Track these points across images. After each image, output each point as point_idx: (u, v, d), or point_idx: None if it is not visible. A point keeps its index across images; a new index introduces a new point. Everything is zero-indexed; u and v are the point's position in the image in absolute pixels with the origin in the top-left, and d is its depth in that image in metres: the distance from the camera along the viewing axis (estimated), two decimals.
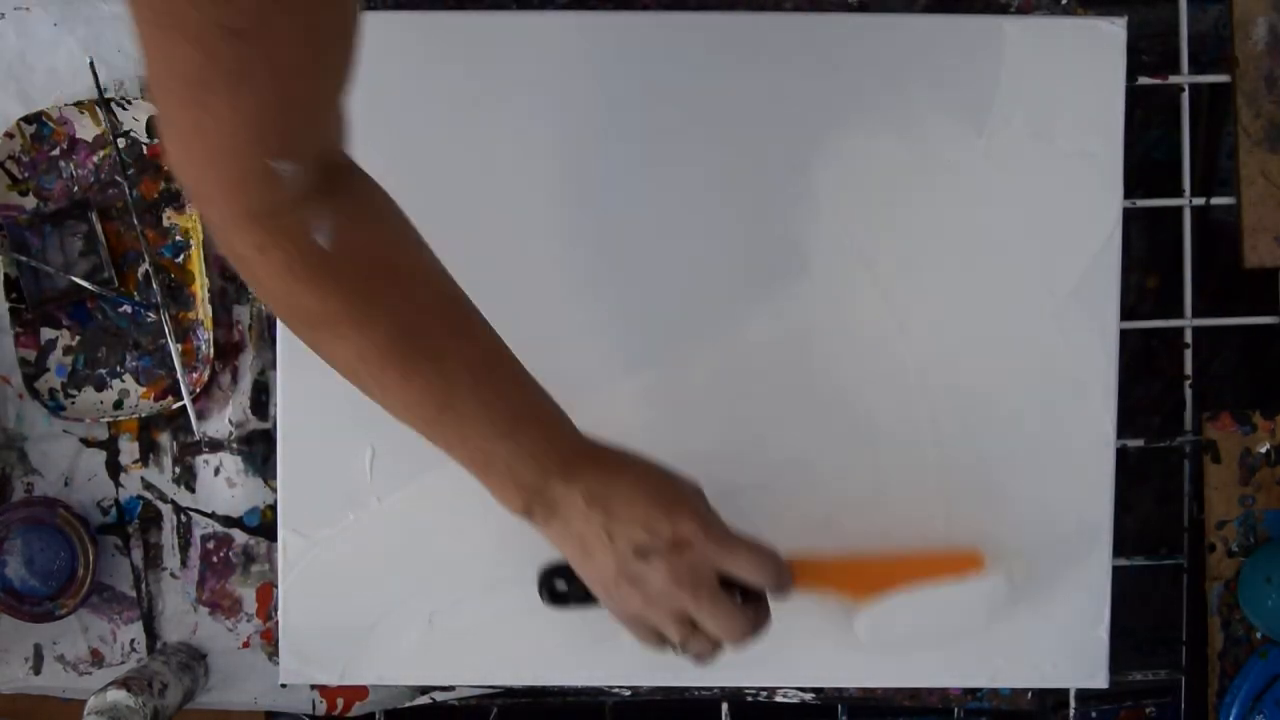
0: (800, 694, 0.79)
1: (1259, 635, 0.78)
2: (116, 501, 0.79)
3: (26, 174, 0.77)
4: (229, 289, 0.78)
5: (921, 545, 0.70)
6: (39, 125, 0.76)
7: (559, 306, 0.73)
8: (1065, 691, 0.80)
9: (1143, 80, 0.78)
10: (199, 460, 0.78)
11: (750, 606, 0.59)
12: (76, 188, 0.77)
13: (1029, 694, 0.80)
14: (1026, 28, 0.72)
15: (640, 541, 0.55)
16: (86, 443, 0.79)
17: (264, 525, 0.78)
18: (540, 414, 0.57)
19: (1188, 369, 0.80)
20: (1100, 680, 0.74)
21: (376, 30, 0.72)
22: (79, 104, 0.76)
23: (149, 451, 0.79)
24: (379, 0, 0.77)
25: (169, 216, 0.77)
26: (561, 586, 0.67)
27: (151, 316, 0.78)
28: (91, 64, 0.76)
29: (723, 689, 0.79)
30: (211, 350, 0.77)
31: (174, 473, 0.79)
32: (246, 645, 0.79)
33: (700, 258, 0.73)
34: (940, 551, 0.69)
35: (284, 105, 0.46)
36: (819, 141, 0.72)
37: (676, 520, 0.56)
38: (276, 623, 0.75)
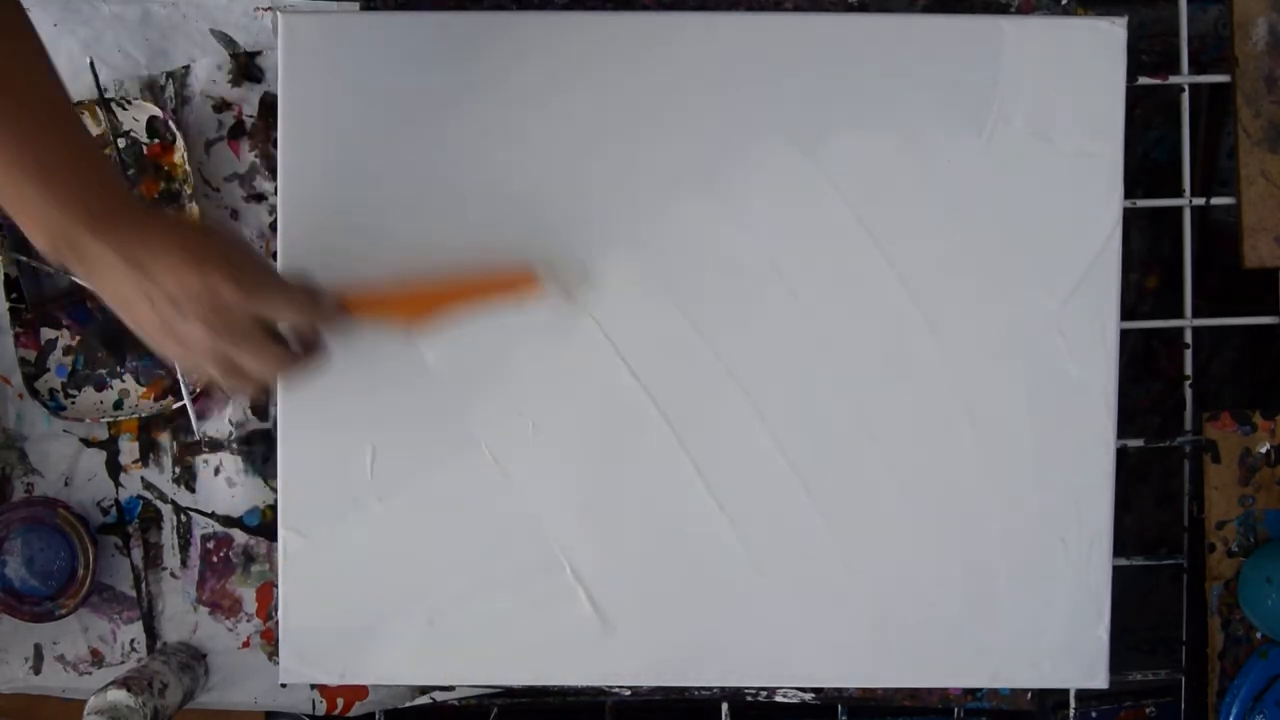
0: (800, 694, 0.79)
1: (1259, 635, 0.78)
2: (116, 501, 0.79)
3: None
4: None
5: (477, 267, 0.70)
6: None
7: (555, 307, 0.73)
8: (1065, 691, 0.80)
9: (1143, 80, 0.78)
10: (199, 460, 0.78)
11: (296, 344, 0.63)
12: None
13: (1029, 694, 0.80)
14: (1026, 28, 0.72)
15: (175, 297, 0.57)
16: (86, 443, 0.79)
17: (264, 525, 0.78)
18: (81, 165, 0.58)
19: (1188, 369, 0.80)
20: (1100, 680, 0.74)
21: (376, 30, 0.72)
22: (79, 104, 0.76)
23: (149, 451, 0.79)
24: (379, 0, 0.77)
25: None
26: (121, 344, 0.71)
27: None
28: (91, 64, 0.76)
29: (723, 689, 0.79)
30: None
31: (174, 473, 0.79)
32: (246, 645, 0.79)
33: (699, 258, 0.73)
34: (494, 271, 0.70)
35: None
36: (818, 141, 0.72)
37: (206, 275, 0.58)
38: (276, 623, 0.75)
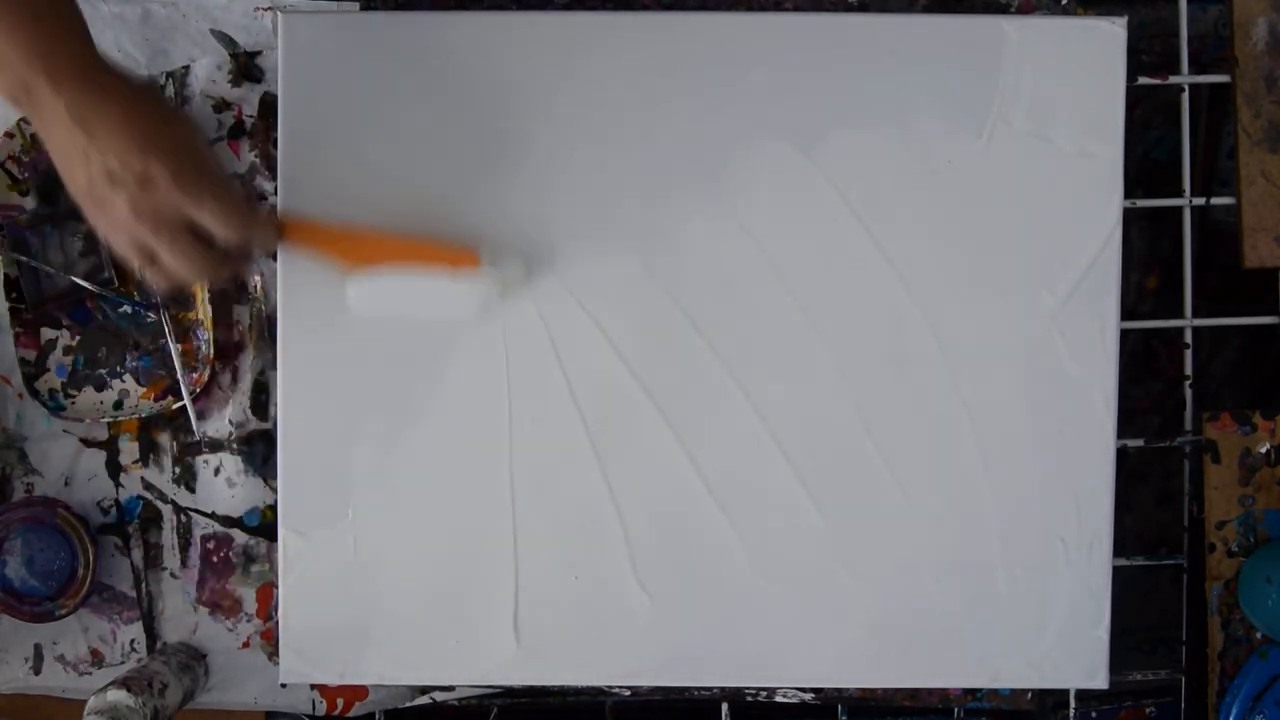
0: (800, 694, 0.79)
1: (1259, 635, 0.78)
2: (116, 501, 0.79)
3: (26, 174, 0.77)
4: (229, 289, 0.78)
5: (422, 233, 0.70)
6: None
7: (559, 306, 0.73)
8: (1065, 691, 0.80)
9: (1143, 80, 0.78)
10: (199, 460, 0.78)
11: (217, 251, 0.62)
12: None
13: (1029, 694, 0.80)
14: (1026, 28, 0.72)
15: (112, 169, 0.57)
16: (86, 443, 0.79)
17: (264, 525, 0.78)
18: (52, 18, 0.58)
19: (1188, 369, 0.80)
20: (1100, 680, 0.74)
21: (376, 30, 0.72)
22: None
23: (149, 451, 0.79)
24: (379, 0, 0.77)
25: None
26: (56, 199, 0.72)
27: (151, 316, 0.78)
28: None
29: (723, 689, 0.79)
30: (211, 350, 0.77)
31: (174, 473, 0.79)
32: (246, 645, 0.79)
33: (698, 258, 0.73)
34: (440, 241, 0.70)
35: None
36: (818, 141, 0.72)
37: (148, 158, 0.58)
38: (276, 623, 0.75)
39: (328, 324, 0.72)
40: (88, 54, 0.59)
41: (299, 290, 0.72)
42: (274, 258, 0.67)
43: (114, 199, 0.58)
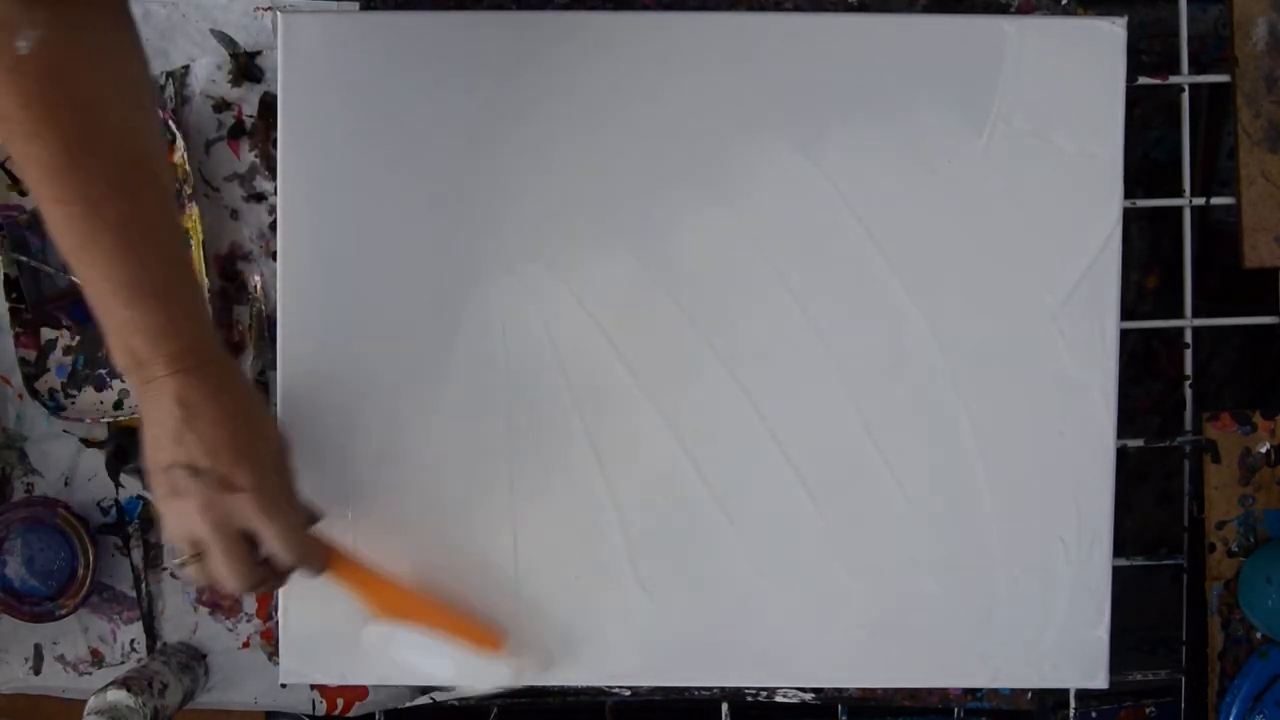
0: (800, 694, 0.79)
1: (1259, 635, 0.78)
2: (116, 501, 0.79)
3: None
4: (229, 289, 0.78)
5: (458, 602, 0.72)
6: None
7: (557, 307, 0.73)
8: (1065, 691, 0.80)
9: (1143, 80, 0.78)
10: None
11: (264, 568, 0.62)
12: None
13: (1029, 694, 0.80)
14: (1026, 28, 0.72)
15: (197, 463, 0.57)
16: (86, 443, 0.78)
17: None
18: (175, 298, 0.58)
19: (1188, 369, 0.80)
20: (1100, 680, 0.74)
21: (376, 30, 0.72)
22: None
23: None
24: (379, 0, 0.77)
25: None
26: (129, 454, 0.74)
27: None
28: None
29: (723, 689, 0.79)
30: None
31: None
32: (246, 645, 0.79)
33: (697, 258, 0.73)
34: (470, 617, 0.71)
35: None
36: (818, 141, 0.72)
37: (239, 466, 0.58)
38: (276, 623, 0.75)
39: (328, 324, 0.72)
40: (208, 340, 0.59)
41: (299, 290, 0.72)
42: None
43: (189, 490, 0.58)
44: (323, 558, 0.66)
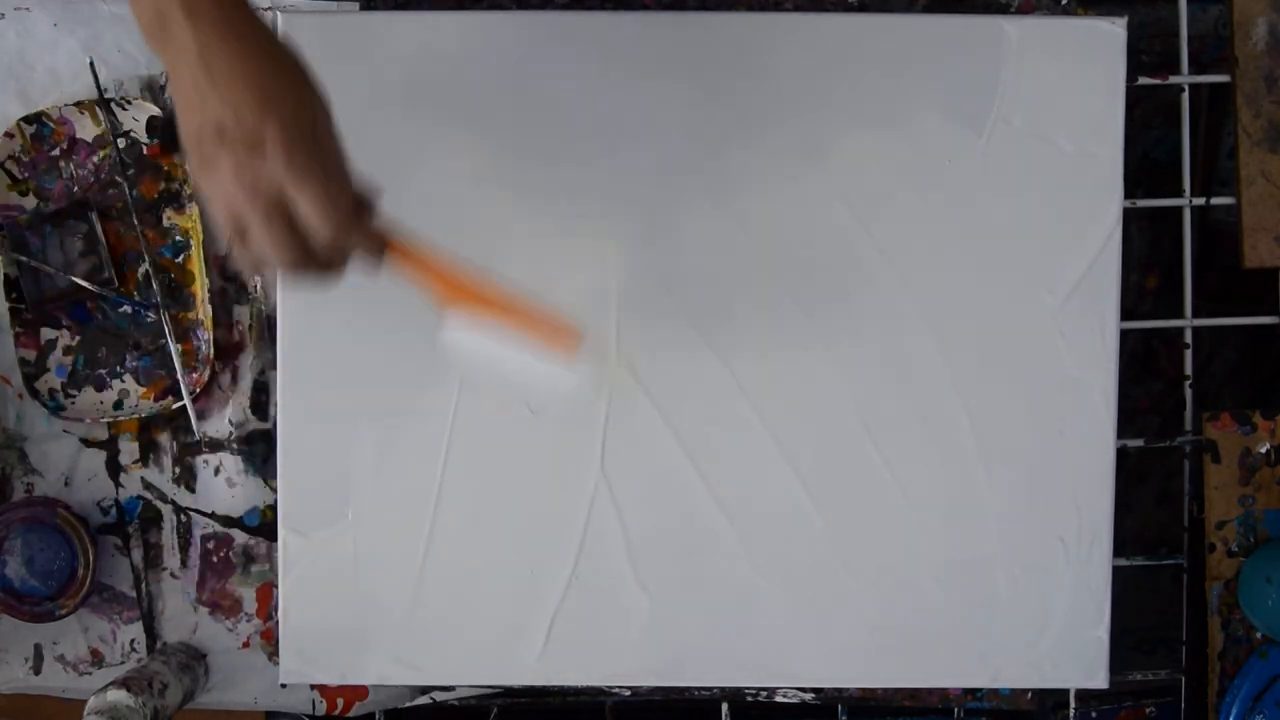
0: (800, 694, 0.79)
1: (1259, 635, 0.78)
2: (116, 501, 0.79)
3: (26, 174, 0.77)
4: (229, 289, 0.78)
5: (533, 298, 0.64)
6: (39, 125, 0.77)
7: (558, 305, 0.73)
8: (1065, 691, 0.80)
9: (1143, 80, 0.78)
10: (199, 460, 0.78)
11: (311, 244, 0.55)
12: (76, 188, 0.77)
13: (1029, 694, 0.80)
14: (1026, 28, 0.72)
15: (224, 123, 0.53)
16: (86, 443, 0.79)
17: (264, 525, 0.78)
18: None
19: (1188, 369, 0.80)
20: (1100, 680, 0.74)
21: (376, 30, 0.72)
22: (79, 104, 0.76)
23: (149, 451, 0.79)
24: (379, 0, 0.77)
25: (169, 216, 0.77)
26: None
27: (151, 316, 0.78)
28: (91, 64, 0.76)
29: (723, 689, 0.79)
30: (211, 350, 0.77)
31: (174, 473, 0.79)
32: (246, 645, 0.79)
33: (695, 256, 0.73)
34: (544, 311, 0.63)
35: None
36: (818, 142, 0.72)
37: (265, 120, 0.53)
38: (276, 623, 0.75)
39: (328, 324, 0.72)
40: None
41: (299, 290, 0.72)
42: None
43: (219, 157, 0.53)
44: (377, 237, 0.58)
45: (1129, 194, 0.74)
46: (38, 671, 0.79)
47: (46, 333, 0.78)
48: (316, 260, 0.56)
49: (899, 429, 0.73)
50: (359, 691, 0.79)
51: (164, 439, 0.78)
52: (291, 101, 0.55)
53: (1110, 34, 0.72)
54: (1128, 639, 0.79)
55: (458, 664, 0.74)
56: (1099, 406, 0.73)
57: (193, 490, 0.79)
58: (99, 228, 0.76)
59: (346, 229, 0.56)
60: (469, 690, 0.79)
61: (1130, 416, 0.77)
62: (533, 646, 0.74)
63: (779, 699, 0.79)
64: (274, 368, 0.75)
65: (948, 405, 0.73)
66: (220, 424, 0.78)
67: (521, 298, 0.63)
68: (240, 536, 0.79)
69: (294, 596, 0.73)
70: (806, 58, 0.72)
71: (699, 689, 0.79)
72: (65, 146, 0.77)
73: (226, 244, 0.56)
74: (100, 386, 0.78)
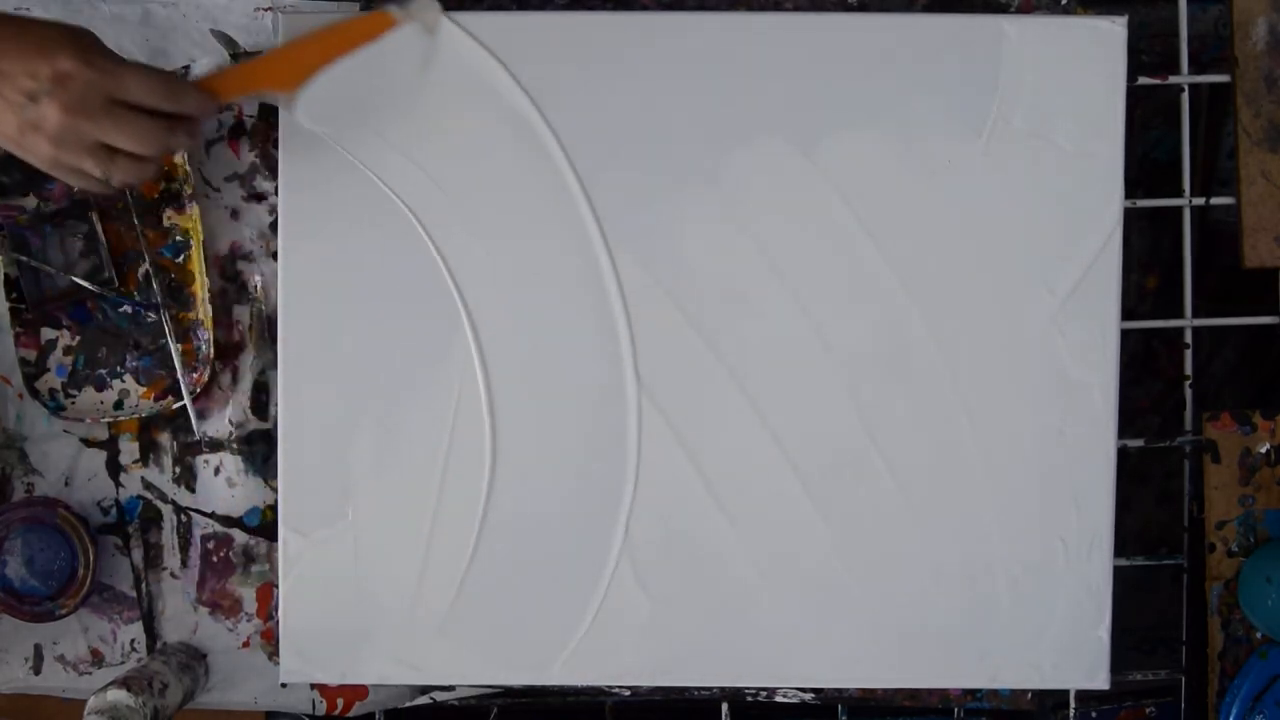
0: (800, 694, 0.79)
1: (1259, 635, 0.78)
2: (116, 501, 0.79)
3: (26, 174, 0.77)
4: (229, 289, 0.78)
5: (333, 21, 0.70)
6: None
7: (557, 307, 0.73)
8: (1065, 691, 0.80)
9: (1143, 80, 0.78)
10: (199, 460, 0.78)
11: (161, 119, 0.60)
12: (76, 188, 0.77)
13: (1029, 694, 0.80)
14: (1026, 28, 0.72)
15: (26, 87, 0.57)
16: (86, 443, 0.79)
17: (264, 525, 0.78)
18: None
19: (1188, 369, 0.80)
20: (1100, 680, 0.74)
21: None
22: None
23: (149, 451, 0.79)
24: (379, 0, 0.77)
25: (169, 216, 0.77)
26: None
27: (151, 316, 0.78)
28: None
29: (723, 689, 0.79)
30: (211, 350, 0.77)
31: (174, 473, 0.79)
32: (246, 645, 0.79)
33: (696, 258, 0.73)
34: (352, 19, 0.70)
35: None
36: (818, 141, 0.72)
37: (54, 59, 0.57)
38: (276, 623, 0.75)
39: (328, 324, 0.72)
40: None
41: (299, 290, 0.72)
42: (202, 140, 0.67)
43: (42, 114, 0.57)
44: (199, 85, 0.64)
45: (1129, 194, 0.74)
46: (38, 671, 0.79)
47: (47, 333, 0.78)
48: (173, 130, 0.61)
49: (899, 429, 0.73)
50: (359, 691, 0.79)
51: (164, 439, 0.78)
52: (63, 35, 0.59)
53: (1110, 33, 0.72)
54: (1128, 639, 0.79)
55: (458, 664, 0.74)
56: (1099, 406, 0.73)
57: (193, 490, 0.79)
58: (99, 227, 0.76)
59: (175, 90, 0.61)
60: (469, 690, 0.79)
61: (1130, 416, 0.77)
62: (533, 646, 0.74)
63: (779, 699, 0.79)
64: (274, 368, 0.75)
65: (948, 405, 0.73)
66: (220, 424, 0.78)
67: (335, 25, 0.69)
68: (240, 536, 0.79)
69: (294, 596, 0.73)
70: (806, 57, 0.72)
71: (699, 689, 0.79)
72: None
73: (104, 178, 0.60)
74: (100, 386, 0.78)
